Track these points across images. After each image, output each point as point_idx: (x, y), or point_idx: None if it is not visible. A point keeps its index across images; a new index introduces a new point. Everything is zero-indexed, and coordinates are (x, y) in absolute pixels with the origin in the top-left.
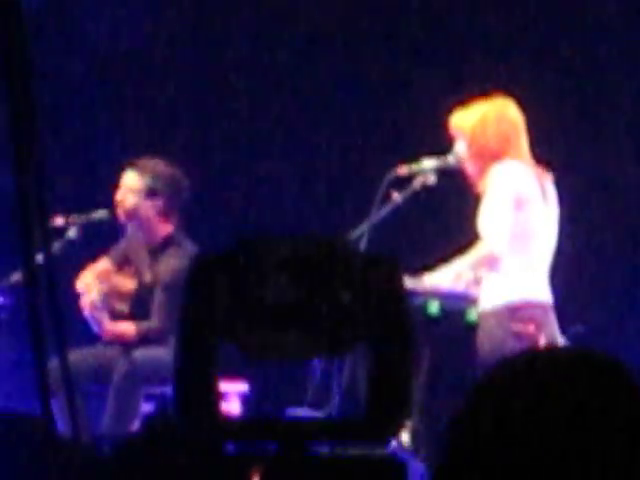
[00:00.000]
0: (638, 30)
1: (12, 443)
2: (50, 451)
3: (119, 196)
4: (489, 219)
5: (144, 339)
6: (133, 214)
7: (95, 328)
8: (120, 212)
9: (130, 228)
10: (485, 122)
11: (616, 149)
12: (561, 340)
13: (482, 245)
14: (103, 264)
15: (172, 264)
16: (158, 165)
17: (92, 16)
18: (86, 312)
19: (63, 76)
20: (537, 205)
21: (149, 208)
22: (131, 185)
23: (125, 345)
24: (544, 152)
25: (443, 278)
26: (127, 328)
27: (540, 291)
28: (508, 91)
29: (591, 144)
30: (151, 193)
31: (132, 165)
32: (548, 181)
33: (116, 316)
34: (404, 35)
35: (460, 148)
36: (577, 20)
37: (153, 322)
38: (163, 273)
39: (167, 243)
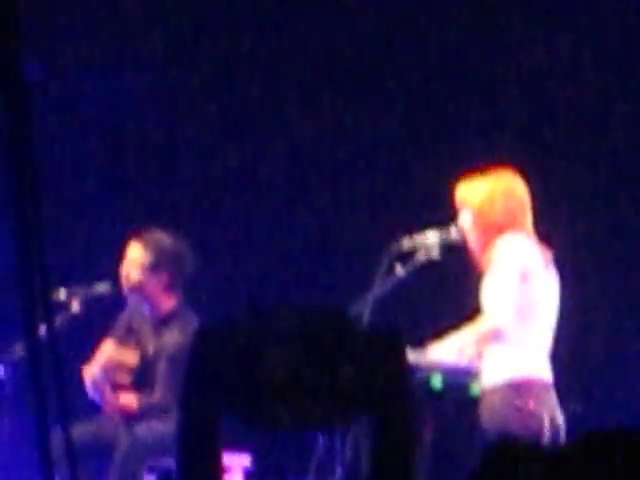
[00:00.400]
0: None
1: None
2: None
3: (124, 269)
4: (495, 292)
5: (146, 412)
6: (138, 288)
7: (97, 400)
8: (125, 285)
9: (132, 300)
10: (493, 197)
11: (621, 225)
12: (561, 417)
13: (486, 319)
14: (107, 350)
15: (176, 337)
16: (163, 239)
17: (95, 87)
18: (88, 385)
19: (66, 147)
20: (541, 279)
21: (154, 283)
22: (135, 259)
23: (127, 419)
24: (546, 229)
25: (446, 352)
26: (129, 401)
27: (542, 368)
28: (512, 165)
29: (592, 220)
30: (155, 268)
31: (137, 238)
32: (549, 258)
33: (118, 388)
34: (406, 109)
35: (464, 219)
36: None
37: (156, 395)
38: (167, 346)
39: (171, 316)
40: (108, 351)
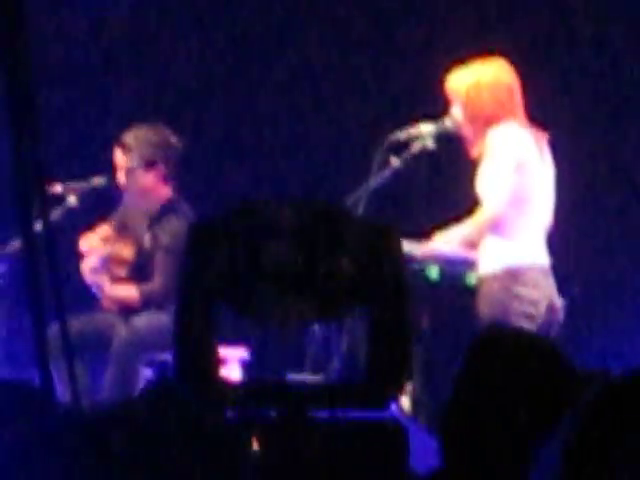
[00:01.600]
0: None
1: (9, 412)
2: (49, 419)
3: (119, 178)
4: (490, 184)
5: (146, 303)
6: (136, 188)
7: (96, 292)
8: (124, 189)
9: (127, 195)
10: (479, 86)
11: (617, 112)
12: (559, 301)
13: (484, 209)
14: (104, 229)
15: (172, 228)
16: (150, 133)
17: None
18: (87, 277)
19: (59, 40)
20: (535, 167)
21: (151, 178)
22: (125, 164)
23: (125, 311)
24: (539, 112)
25: (446, 241)
26: (129, 291)
27: (539, 254)
28: (503, 51)
29: (590, 106)
30: (150, 164)
31: (121, 144)
32: (544, 142)
33: (115, 282)
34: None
35: (457, 111)
36: None
37: (155, 285)
38: (163, 237)
39: (166, 208)
40: (104, 232)
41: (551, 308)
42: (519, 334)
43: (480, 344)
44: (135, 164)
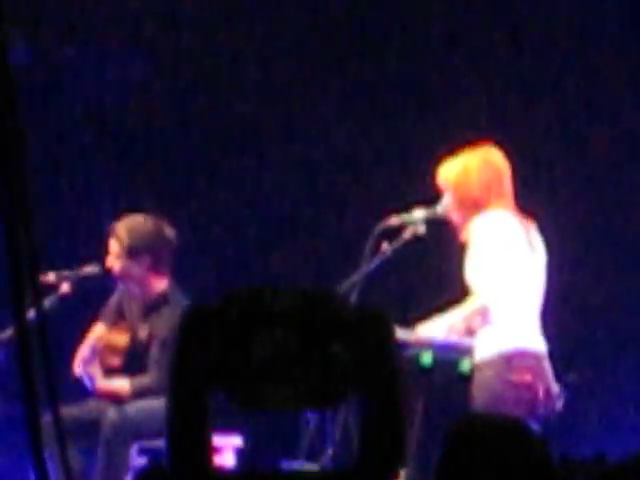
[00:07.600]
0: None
1: None
2: None
3: (108, 263)
4: (477, 272)
5: (137, 396)
6: (124, 276)
7: (88, 385)
8: (114, 276)
9: (121, 285)
10: (467, 171)
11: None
12: (556, 388)
13: (475, 298)
14: (99, 328)
15: (168, 320)
16: (138, 222)
17: (82, 70)
18: (77, 370)
19: (54, 129)
20: (523, 253)
21: (136, 268)
22: (113, 250)
23: (116, 401)
24: (529, 199)
25: (436, 329)
26: (121, 385)
27: (534, 340)
28: (495, 139)
29: (579, 189)
30: (134, 253)
31: (113, 233)
32: (533, 229)
33: (108, 371)
34: (396, 84)
35: (447, 200)
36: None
37: (148, 378)
38: (159, 329)
39: (162, 298)
40: (98, 333)
41: (548, 394)
42: (492, 419)
43: (454, 431)
44: (124, 253)
